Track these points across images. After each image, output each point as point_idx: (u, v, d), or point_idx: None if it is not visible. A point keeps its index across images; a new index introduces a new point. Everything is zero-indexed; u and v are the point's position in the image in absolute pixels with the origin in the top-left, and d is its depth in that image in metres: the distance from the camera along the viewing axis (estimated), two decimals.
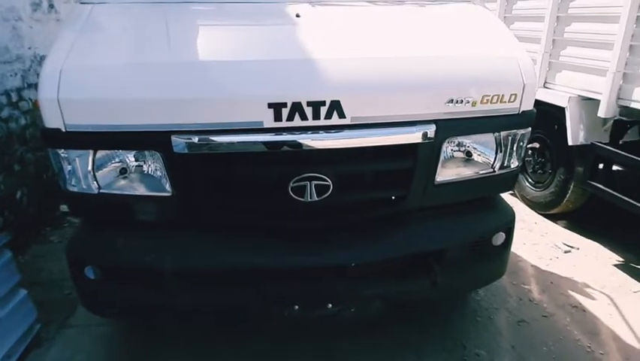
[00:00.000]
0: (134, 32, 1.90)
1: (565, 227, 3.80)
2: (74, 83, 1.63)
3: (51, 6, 4.14)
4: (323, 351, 2.31)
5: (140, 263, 1.81)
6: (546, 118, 3.69)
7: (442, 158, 1.89)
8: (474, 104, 1.82)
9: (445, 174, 1.93)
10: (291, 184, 1.73)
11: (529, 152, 4.06)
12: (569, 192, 3.62)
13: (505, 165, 2.01)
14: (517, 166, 2.07)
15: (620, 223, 3.64)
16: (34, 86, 3.83)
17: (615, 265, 3.21)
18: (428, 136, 1.78)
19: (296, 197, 1.75)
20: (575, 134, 3.32)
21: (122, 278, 1.84)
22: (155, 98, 1.63)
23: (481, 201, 2.13)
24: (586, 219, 3.80)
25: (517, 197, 4.32)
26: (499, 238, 2.09)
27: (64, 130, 1.65)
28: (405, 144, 1.79)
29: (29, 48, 3.77)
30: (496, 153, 1.98)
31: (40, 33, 3.93)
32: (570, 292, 2.89)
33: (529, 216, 4.01)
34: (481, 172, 1.99)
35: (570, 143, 3.34)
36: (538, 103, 3.68)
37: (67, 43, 1.78)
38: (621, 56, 2.84)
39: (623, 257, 3.30)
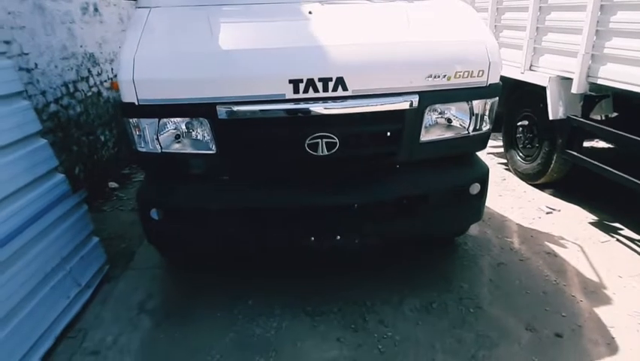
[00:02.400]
0: (184, 29, 2.46)
1: (551, 194, 4.26)
2: (145, 67, 2.19)
3: (96, 10, 4.76)
4: (338, 279, 2.87)
5: (192, 204, 2.38)
6: (533, 98, 4.16)
7: (424, 122, 2.40)
8: (449, 78, 2.33)
9: (428, 135, 2.44)
10: (307, 142, 2.27)
11: (520, 129, 4.52)
12: (553, 162, 4.08)
13: (477, 128, 2.51)
14: (489, 129, 2.57)
15: (602, 190, 4.08)
16: (86, 79, 4.46)
17: (590, 223, 3.67)
18: (413, 104, 2.30)
19: (311, 152, 2.29)
20: (555, 109, 3.78)
21: (178, 217, 2.41)
22: (204, 78, 2.18)
23: (461, 158, 2.63)
24: (570, 187, 4.26)
25: (510, 171, 4.79)
26: (475, 188, 2.59)
27: (137, 103, 2.22)
28: (395, 110, 2.31)
29: (81, 46, 4.39)
30: (470, 118, 2.48)
31: (89, 33, 4.56)
32: (546, 242, 3.37)
33: (519, 186, 4.48)
34: (458, 134, 2.50)
35: (551, 117, 3.80)
36: (526, 84, 4.20)
37: (136, 38, 2.34)
38: (589, 40, 3.30)
39: (598, 216, 3.76)
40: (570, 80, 3.59)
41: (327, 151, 2.30)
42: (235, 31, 2.38)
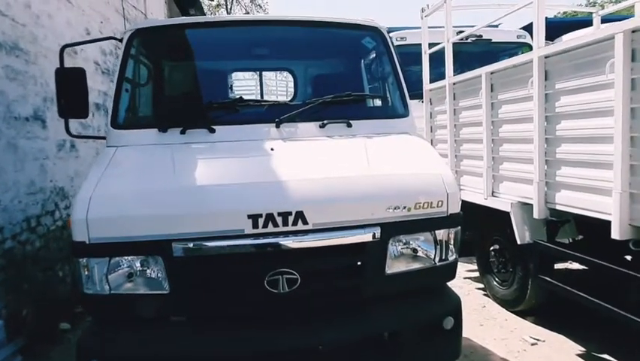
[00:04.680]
0: (146, 166, 2.50)
1: (533, 322, 4.07)
2: (100, 206, 2.14)
3: (72, 146, 4.91)
4: None
5: (137, 355, 2.13)
6: (500, 222, 4.23)
7: (389, 253, 2.34)
8: (409, 209, 2.34)
9: (394, 266, 2.37)
10: (266, 278, 2.16)
11: (492, 253, 4.51)
12: (529, 288, 3.98)
13: (443, 258, 2.45)
14: (455, 258, 2.52)
15: (584, 316, 3.92)
16: (51, 213, 4.39)
17: (577, 355, 3.44)
18: (375, 236, 2.27)
19: (271, 289, 2.16)
20: (522, 234, 3.82)
21: None
22: (159, 214, 2.14)
23: (430, 290, 2.52)
24: (553, 313, 4.09)
25: (489, 297, 4.64)
26: (449, 322, 2.42)
27: (87, 242, 2.12)
28: (357, 243, 2.26)
29: (51, 181, 4.41)
30: (435, 249, 2.43)
31: (61, 168, 4.62)
32: None
33: (500, 314, 4.29)
34: (424, 265, 2.43)
35: (518, 242, 3.81)
36: (490, 210, 4.29)
37: (96, 177, 2.35)
38: (540, 169, 3.49)
39: (585, 347, 3.54)
40: (530, 205, 3.69)
41: (288, 288, 2.17)
42: (197, 168, 2.42)
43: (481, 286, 4.86)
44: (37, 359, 3.64)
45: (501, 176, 4.17)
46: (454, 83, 4.95)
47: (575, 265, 4.87)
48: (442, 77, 5.15)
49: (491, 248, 4.50)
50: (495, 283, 4.52)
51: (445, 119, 5.14)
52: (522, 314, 4.21)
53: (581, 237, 3.98)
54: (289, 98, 5.37)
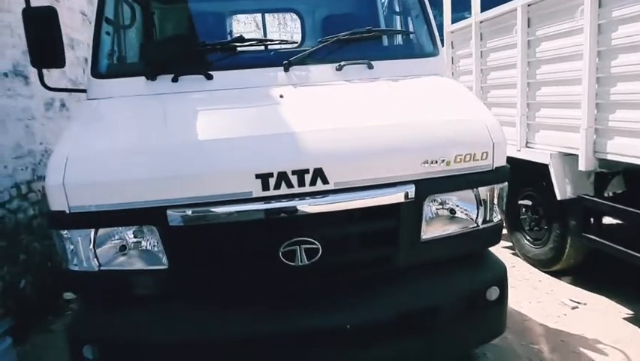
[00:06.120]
0: (134, 120, 2.11)
1: (570, 283, 3.75)
2: (78, 168, 1.78)
3: (62, 105, 4.51)
4: None
5: (137, 337, 1.83)
6: (533, 176, 3.82)
7: (425, 216, 1.97)
8: (448, 163, 1.95)
9: (431, 231, 2.00)
10: (281, 249, 1.81)
11: (523, 210, 4.13)
12: (568, 246, 3.63)
13: (487, 219, 2.08)
14: (501, 220, 2.15)
15: (628, 276, 3.59)
16: (43, 178, 4.05)
17: (625, 319, 3.13)
18: (409, 196, 1.89)
19: (287, 261, 1.82)
20: (562, 189, 3.42)
21: (120, 355, 1.85)
22: (151, 177, 1.77)
23: (472, 256, 2.17)
24: (591, 273, 3.76)
25: (518, 256, 4.31)
26: (494, 293, 2.09)
27: (68, 212, 1.77)
28: (387, 205, 1.89)
29: (40, 143, 4.04)
30: (478, 209, 2.06)
31: (52, 129, 4.24)
32: (582, 349, 2.80)
33: (533, 275, 3.97)
34: (466, 228, 2.06)
35: (558, 198, 3.42)
36: (523, 162, 3.87)
37: (74, 134, 1.98)
38: (590, 114, 3.04)
39: (632, 310, 3.23)
40: (574, 156, 3.27)
41: (308, 260, 1.83)
42: (193, 122, 2.02)
43: (509, 244, 4.52)
44: (37, 331, 3.43)
45: (537, 124, 3.72)
46: (481, 22, 4.40)
47: (608, 220, 4.49)
48: None
49: (522, 203, 4.12)
50: (526, 241, 4.17)
51: (470, 63, 4.63)
52: (556, 275, 3.88)
53: (623, 189, 3.58)
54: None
